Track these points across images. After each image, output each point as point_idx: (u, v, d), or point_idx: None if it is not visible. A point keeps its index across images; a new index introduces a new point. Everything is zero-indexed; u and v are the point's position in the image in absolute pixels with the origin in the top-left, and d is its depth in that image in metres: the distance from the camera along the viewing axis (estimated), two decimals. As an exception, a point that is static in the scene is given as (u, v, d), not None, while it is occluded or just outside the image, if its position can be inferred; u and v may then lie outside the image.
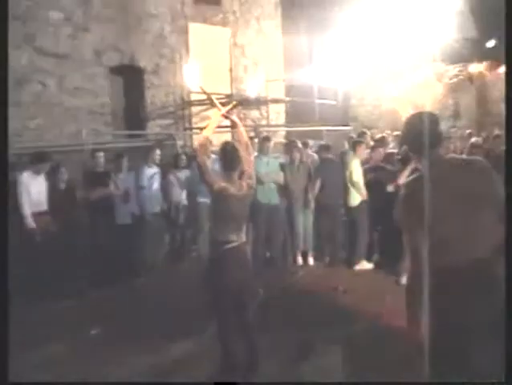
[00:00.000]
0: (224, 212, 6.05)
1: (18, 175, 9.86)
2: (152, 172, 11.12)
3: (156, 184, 11.12)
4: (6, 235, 4.07)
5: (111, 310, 8.95)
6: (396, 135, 15.12)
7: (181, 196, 11.59)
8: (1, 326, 3.82)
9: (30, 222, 9.60)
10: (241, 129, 6.66)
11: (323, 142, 14.00)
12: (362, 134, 13.63)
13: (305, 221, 11.56)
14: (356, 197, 11.16)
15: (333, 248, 11.66)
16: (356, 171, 11.16)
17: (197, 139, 11.24)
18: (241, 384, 5.19)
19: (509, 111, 3.77)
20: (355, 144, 11.65)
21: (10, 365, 3.87)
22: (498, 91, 22.50)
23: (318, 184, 11.34)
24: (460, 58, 22.80)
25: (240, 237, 6.15)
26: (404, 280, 9.90)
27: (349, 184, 11.19)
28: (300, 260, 11.54)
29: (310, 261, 11.59)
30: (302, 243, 11.56)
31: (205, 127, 6.70)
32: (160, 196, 11.29)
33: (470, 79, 23.97)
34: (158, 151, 11.50)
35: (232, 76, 17.76)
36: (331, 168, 11.44)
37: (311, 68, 19.78)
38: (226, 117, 6.68)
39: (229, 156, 6.19)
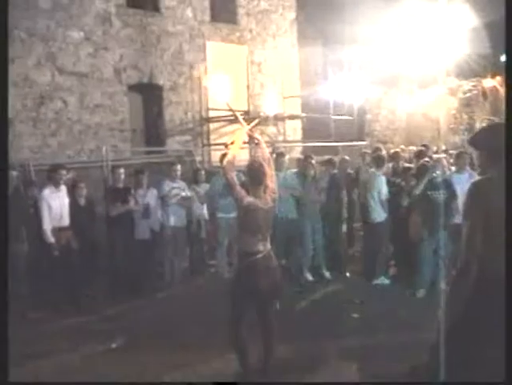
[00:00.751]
0: (252, 224, 6.34)
1: (36, 190, 10.11)
2: (173, 186, 11.27)
3: (176, 199, 11.24)
4: (6, 238, 4.18)
5: (130, 324, 9.07)
6: (411, 150, 15.20)
7: (202, 211, 11.73)
8: (1, 326, 3.91)
9: (50, 237, 9.78)
10: (263, 146, 6.91)
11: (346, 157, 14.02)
12: (376, 150, 13.71)
13: (317, 235, 11.66)
14: (381, 214, 11.21)
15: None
16: (384, 188, 11.17)
17: (221, 156, 11.37)
18: (241, 384, 5.31)
19: (509, 111, 3.91)
20: (377, 160, 11.68)
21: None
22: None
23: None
24: (473, 73, 22.87)
25: (266, 247, 6.45)
26: (420, 293, 10.09)
27: (374, 201, 11.21)
28: (309, 275, 11.55)
29: (326, 274, 11.67)
30: (317, 256, 11.64)
31: (229, 144, 6.93)
32: (181, 211, 11.40)
33: (484, 93, 24.05)
34: (179, 167, 11.64)
35: (249, 93, 17.92)
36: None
37: (327, 84, 19.89)
38: (250, 135, 6.93)
39: (255, 171, 6.50)
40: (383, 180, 11.20)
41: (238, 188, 6.36)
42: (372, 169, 11.50)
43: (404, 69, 21.88)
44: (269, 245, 6.56)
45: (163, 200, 11.09)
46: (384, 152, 12.71)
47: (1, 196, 4.37)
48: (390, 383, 5.13)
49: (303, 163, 12.12)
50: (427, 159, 11.43)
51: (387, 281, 11.11)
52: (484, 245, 4.27)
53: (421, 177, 10.36)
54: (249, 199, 6.32)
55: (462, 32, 21.70)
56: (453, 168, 11.07)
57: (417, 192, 10.26)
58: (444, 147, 17.26)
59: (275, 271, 6.54)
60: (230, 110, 7.67)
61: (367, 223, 11.54)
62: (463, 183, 9.67)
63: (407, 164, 12.45)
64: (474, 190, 4.42)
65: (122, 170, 11.01)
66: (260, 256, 6.34)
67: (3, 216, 4.27)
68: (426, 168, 10.48)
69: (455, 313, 4.23)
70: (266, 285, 6.31)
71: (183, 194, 11.34)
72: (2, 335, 3.88)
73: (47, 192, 9.85)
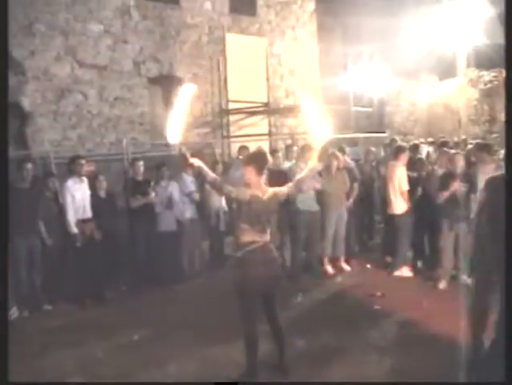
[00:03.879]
0: (247, 215, 6.32)
1: (57, 182, 10.15)
2: (190, 179, 11.30)
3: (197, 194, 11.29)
4: (6, 236, 4.16)
5: (153, 316, 9.13)
6: (431, 142, 15.13)
7: (221, 204, 11.73)
8: (1, 327, 3.91)
9: (74, 228, 9.84)
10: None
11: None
12: (392, 141, 13.69)
13: (340, 227, 11.63)
14: (403, 205, 11.13)
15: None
16: (404, 179, 11.10)
17: (239, 148, 11.49)
18: (242, 384, 5.32)
19: (509, 110, 3.84)
20: (398, 152, 11.62)
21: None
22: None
23: None
24: (494, 63, 22.73)
25: (264, 238, 6.39)
26: (441, 285, 10.04)
27: (394, 193, 11.11)
28: (329, 267, 11.48)
29: (345, 266, 11.66)
30: (338, 248, 11.62)
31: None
32: (199, 204, 11.44)
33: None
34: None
35: (269, 85, 17.91)
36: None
37: (347, 75, 19.86)
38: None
39: (260, 160, 6.50)
40: (403, 171, 11.13)
41: (222, 186, 6.38)
42: (393, 161, 11.41)
43: (424, 60, 21.83)
44: (268, 237, 6.49)
45: (189, 195, 11.14)
46: (401, 143, 12.63)
47: (1, 194, 4.35)
48: (391, 383, 5.10)
49: (328, 155, 12.07)
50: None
51: (409, 273, 11.07)
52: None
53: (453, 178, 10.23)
54: (238, 191, 6.32)
55: (483, 22, 21.60)
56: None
57: (456, 185, 10.14)
58: (463, 137, 17.20)
59: (274, 263, 6.49)
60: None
61: (387, 215, 11.44)
62: (488, 174, 9.59)
63: (420, 156, 12.38)
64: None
65: (141, 162, 11.05)
66: (256, 246, 6.29)
67: (3, 216, 4.26)
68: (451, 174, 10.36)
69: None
70: (263, 275, 6.28)
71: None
72: (2, 335, 3.87)
73: (71, 182, 9.91)
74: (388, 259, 11.51)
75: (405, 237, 11.15)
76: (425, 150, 14.29)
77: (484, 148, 10.26)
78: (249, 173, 6.43)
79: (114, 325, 8.71)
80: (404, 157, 11.30)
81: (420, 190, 11.10)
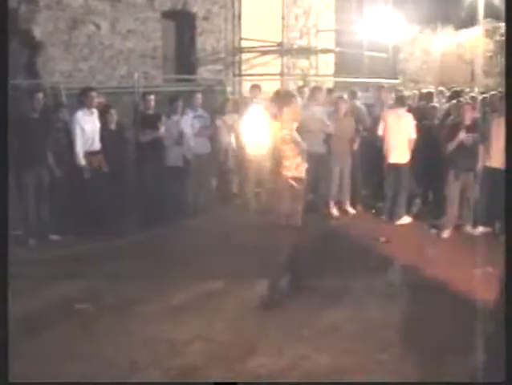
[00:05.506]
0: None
1: (66, 113, 10.16)
2: (194, 115, 11.33)
3: (199, 128, 11.32)
4: (6, 234, 4.18)
5: (156, 249, 9.26)
6: (441, 91, 15.02)
7: (230, 140, 11.73)
8: (1, 327, 3.94)
9: (81, 160, 9.86)
10: None
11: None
12: (397, 91, 13.72)
13: (345, 171, 11.64)
14: (405, 154, 11.09)
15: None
16: (413, 128, 11.05)
17: (251, 87, 11.56)
18: (241, 384, 5.42)
19: (509, 109, 3.79)
20: (400, 100, 11.56)
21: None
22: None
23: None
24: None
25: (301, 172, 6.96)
26: (445, 234, 10.10)
27: (396, 140, 11.02)
28: (335, 210, 11.60)
29: (350, 209, 11.72)
30: (343, 192, 11.67)
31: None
32: (205, 140, 11.48)
33: (522, 35, 23.60)
34: (199, 95, 11.70)
35: (283, 24, 17.72)
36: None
37: (362, 20, 19.65)
38: None
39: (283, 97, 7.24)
40: (410, 119, 11.09)
41: None
42: (399, 109, 11.31)
43: (441, 8, 21.57)
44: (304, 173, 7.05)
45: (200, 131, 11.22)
46: (405, 93, 12.52)
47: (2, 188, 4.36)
48: (394, 383, 5.17)
49: (336, 98, 12.02)
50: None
51: (408, 220, 11.12)
52: None
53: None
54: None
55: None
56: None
57: (450, 147, 10.10)
58: (476, 90, 17.10)
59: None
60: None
61: (389, 163, 11.34)
62: (502, 128, 9.63)
63: (433, 104, 12.31)
64: None
65: (152, 96, 11.02)
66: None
67: (3, 214, 4.27)
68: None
69: None
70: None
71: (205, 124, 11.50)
72: (2, 335, 3.91)
73: (80, 114, 9.89)
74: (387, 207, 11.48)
75: (406, 186, 11.15)
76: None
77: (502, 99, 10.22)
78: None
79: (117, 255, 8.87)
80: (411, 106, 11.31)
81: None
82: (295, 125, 7.07)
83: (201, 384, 5.40)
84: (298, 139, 6.99)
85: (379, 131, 11.14)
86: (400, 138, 10.93)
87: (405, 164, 11.02)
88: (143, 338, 6.09)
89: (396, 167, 11.07)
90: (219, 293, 7.43)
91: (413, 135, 10.94)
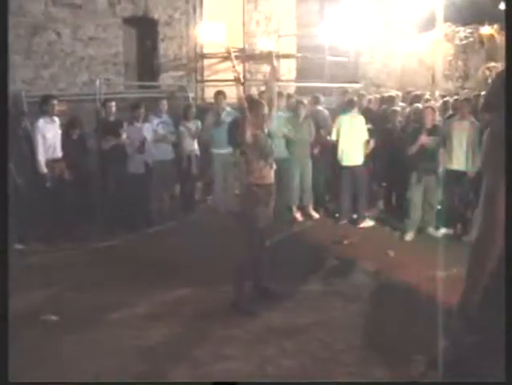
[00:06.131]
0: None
1: (28, 121, 10.10)
2: (159, 121, 11.33)
3: (163, 134, 11.31)
4: (7, 233, 4.17)
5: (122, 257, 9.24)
6: (402, 94, 15.13)
7: (193, 147, 11.75)
8: (1, 326, 3.94)
9: (43, 168, 9.81)
10: None
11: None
12: (345, 93, 13.82)
13: (306, 176, 11.71)
14: (361, 157, 11.26)
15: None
16: (365, 129, 11.24)
17: (215, 93, 11.57)
18: (241, 384, 5.46)
19: (509, 108, 3.82)
20: (348, 104, 11.69)
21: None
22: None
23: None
24: (471, 19, 22.75)
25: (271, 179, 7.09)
26: (408, 236, 10.23)
27: (350, 144, 11.21)
28: (298, 214, 11.69)
29: (313, 213, 11.79)
30: (306, 196, 11.74)
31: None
32: (167, 146, 11.47)
33: (481, 41, 23.92)
34: (165, 102, 11.69)
35: (244, 31, 17.74)
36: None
37: (323, 25, 19.73)
38: None
39: (255, 103, 7.15)
40: (362, 121, 11.25)
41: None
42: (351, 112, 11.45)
43: (400, 12, 21.73)
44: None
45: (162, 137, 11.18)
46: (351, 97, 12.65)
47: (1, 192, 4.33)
48: (391, 383, 5.23)
49: (296, 103, 12.10)
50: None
51: (371, 222, 11.25)
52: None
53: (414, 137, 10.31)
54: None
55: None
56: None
57: (412, 151, 10.25)
58: (437, 93, 17.28)
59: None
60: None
61: (343, 166, 11.40)
62: (464, 131, 9.87)
63: (395, 108, 12.43)
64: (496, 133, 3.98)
65: (113, 103, 11.04)
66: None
67: (3, 213, 4.25)
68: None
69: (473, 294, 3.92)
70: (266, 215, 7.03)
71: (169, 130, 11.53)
72: (2, 335, 3.90)
73: (42, 122, 9.87)
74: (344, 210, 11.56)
75: (364, 189, 11.29)
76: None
77: (468, 103, 10.47)
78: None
79: (82, 265, 8.83)
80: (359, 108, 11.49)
81: (372, 142, 11.21)
82: (263, 130, 7.10)
83: (200, 384, 5.42)
84: (263, 142, 7.02)
85: (333, 136, 11.28)
86: (353, 140, 11.10)
87: (360, 167, 11.19)
88: (109, 346, 6.08)
89: (352, 169, 11.23)
90: (185, 298, 7.46)
91: (366, 136, 11.12)
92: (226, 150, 11.01)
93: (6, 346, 3.87)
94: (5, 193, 4.26)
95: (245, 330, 6.51)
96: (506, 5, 4.20)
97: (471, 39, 23.65)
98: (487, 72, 12.85)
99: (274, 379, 5.44)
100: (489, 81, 5.84)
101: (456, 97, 11.66)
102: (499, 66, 12.45)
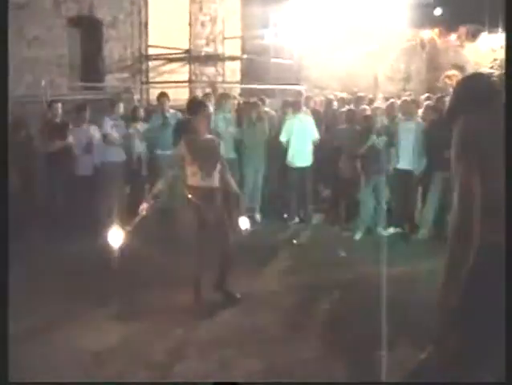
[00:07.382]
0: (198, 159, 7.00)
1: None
2: (113, 123, 11.21)
3: (116, 136, 11.19)
4: (7, 232, 4.14)
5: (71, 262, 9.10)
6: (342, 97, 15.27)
7: (142, 149, 11.67)
8: (1, 326, 3.88)
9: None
10: None
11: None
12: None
13: (259, 178, 11.80)
14: (308, 158, 11.39)
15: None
16: (315, 129, 11.39)
17: (158, 95, 11.52)
18: (241, 384, 5.49)
19: (509, 106, 3.90)
20: (292, 105, 11.93)
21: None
22: (448, 57, 23.31)
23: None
24: (412, 23, 23.15)
25: (211, 182, 7.08)
26: (357, 235, 10.40)
27: (298, 143, 11.36)
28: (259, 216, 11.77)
29: (258, 217, 11.81)
30: (255, 198, 11.80)
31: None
32: (119, 148, 11.36)
33: (422, 44, 24.38)
34: (121, 105, 11.57)
35: (190, 32, 17.73)
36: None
37: (268, 27, 19.85)
38: None
39: (197, 105, 7.29)
40: (310, 121, 11.49)
41: None
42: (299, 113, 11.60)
43: (343, 16, 21.93)
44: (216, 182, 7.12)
45: (105, 138, 10.98)
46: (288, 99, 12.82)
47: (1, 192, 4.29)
48: (390, 383, 5.30)
49: (245, 105, 12.16)
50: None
51: (318, 220, 11.58)
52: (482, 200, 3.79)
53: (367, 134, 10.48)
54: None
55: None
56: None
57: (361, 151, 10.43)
58: (381, 95, 17.52)
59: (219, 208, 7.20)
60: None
61: (291, 167, 11.56)
62: (411, 131, 10.08)
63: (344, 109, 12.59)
64: (467, 128, 3.98)
65: (59, 105, 10.86)
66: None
67: (3, 213, 4.20)
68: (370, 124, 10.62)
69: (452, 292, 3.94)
70: (211, 219, 7.05)
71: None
72: (2, 335, 3.85)
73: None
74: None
75: (308, 191, 11.52)
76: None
77: (413, 103, 10.91)
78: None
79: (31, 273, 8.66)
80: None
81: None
82: (207, 132, 7.14)
83: (200, 384, 5.44)
84: (201, 145, 7.08)
85: (282, 137, 11.37)
86: (304, 141, 11.23)
87: (309, 167, 11.43)
88: (68, 352, 6.05)
89: (301, 170, 11.40)
90: (143, 301, 7.47)
91: (316, 135, 11.27)
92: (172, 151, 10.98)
93: (6, 346, 3.82)
94: (5, 193, 4.21)
95: (203, 330, 6.58)
96: (506, 5, 4.33)
97: (413, 42, 24.08)
98: (447, 80, 13.17)
99: (234, 380, 5.47)
100: (450, 89, 6.29)
101: (404, 98, 11.84)
102: (458, 74, 12.83)
